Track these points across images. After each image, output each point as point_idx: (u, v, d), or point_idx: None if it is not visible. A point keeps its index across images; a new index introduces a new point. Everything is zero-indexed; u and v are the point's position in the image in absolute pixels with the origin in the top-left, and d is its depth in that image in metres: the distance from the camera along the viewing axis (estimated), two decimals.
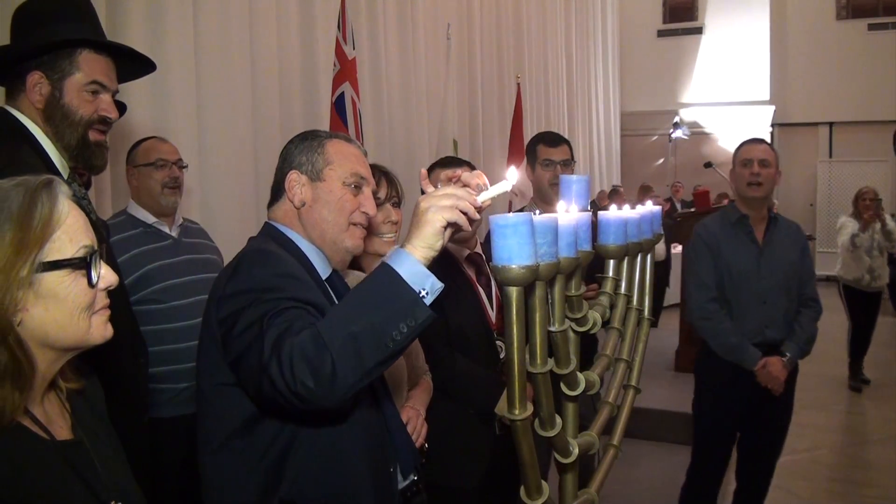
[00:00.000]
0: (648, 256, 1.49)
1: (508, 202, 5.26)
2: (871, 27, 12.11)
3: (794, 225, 2.89)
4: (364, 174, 1.45)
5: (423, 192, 1.17)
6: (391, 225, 1.88)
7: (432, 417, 1.80)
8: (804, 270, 2.81)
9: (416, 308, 1.07)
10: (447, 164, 2.20)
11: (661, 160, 13.19)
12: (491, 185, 1.15)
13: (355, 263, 1.77)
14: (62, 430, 0.98)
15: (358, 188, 1.43)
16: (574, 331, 1.27)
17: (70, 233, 0.92)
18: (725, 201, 6.58)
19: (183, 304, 2.22)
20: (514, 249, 0.93)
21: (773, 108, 12.40)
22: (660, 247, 7.04)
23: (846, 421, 5.17)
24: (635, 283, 1.47)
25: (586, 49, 10.39)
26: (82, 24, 1.60)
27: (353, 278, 1.63)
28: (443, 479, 1.92)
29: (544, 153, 2.73)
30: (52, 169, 1.52)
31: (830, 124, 12.53)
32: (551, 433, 1.11)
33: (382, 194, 1.87)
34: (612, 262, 1.40)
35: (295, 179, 1.41)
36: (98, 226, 1.32)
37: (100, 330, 0.96)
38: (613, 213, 1.35)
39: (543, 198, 2.72)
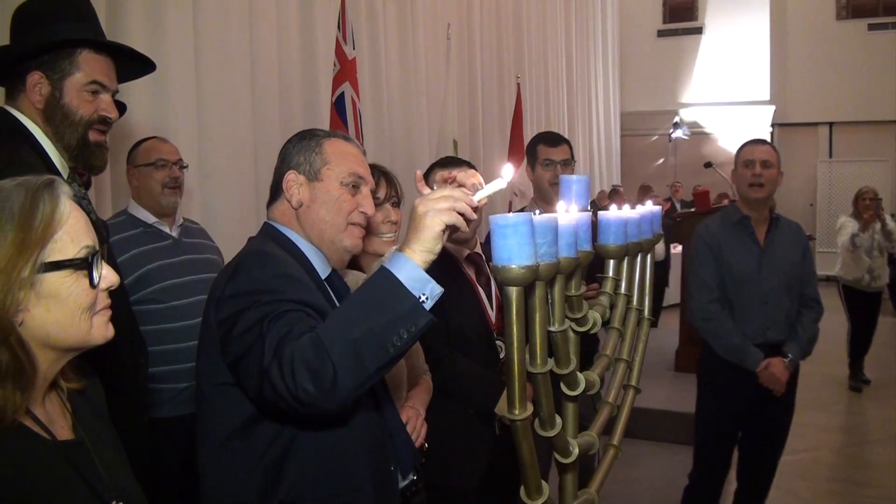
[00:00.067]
0: (648, 256, 1.49)
1: (509, 202, 5.26)
2: (871, 27, 12.11)
3: (795, 225, 2.89)
4: (362, 173, 1.44)
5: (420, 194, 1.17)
6: (391, 225, 1.89)
7: (432, 417, 1.80)
8: (805, 271, 2.81)
9: (416, 314, 1.08)
10: (447, 164, 2.20)
11: (661, 160, 13.19)
12: (486, 184, 1.15)
13: (355, 263, 1.77)
14: (63, 430, 0.98)
15: (356, 188, 1.42)
16: (574, 331, 1.27)
17: (72, 233, 0.92)
18: (725, 201, 6.58)
19: (183, 304, 2.22)
20: (514, 249, 0.93)
21: (773, 108, 12.40)
22: (659, 247, 7.03)
23: (846, 421, 5.17)
24: (635, 283, 1.47)
25: (586, 49, 10.38)
26: (82, 24, 1.60)
27: (353, 278, 1.63)
28: (443, 479, 1.92)
29: (544, 153, 2.73)
30: (52, 169, 1.52)
31: (830, 124, 12.54)
32: (551, 433, 1.11)
33: (382, 194, 1.87)
34: (612, 262, 1.40)
35: (292, 180, 1.41)
36: (98, 226, 1.32)
37: (101, 330, 0.97)
38: (613, 213, 1.35)
39: (544, 197, 2.72)
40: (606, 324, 1.41)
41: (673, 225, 6.37)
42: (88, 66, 1.57)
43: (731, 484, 2.95)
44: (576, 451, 1.21)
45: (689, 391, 2.94)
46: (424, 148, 4.94)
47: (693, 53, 13.04)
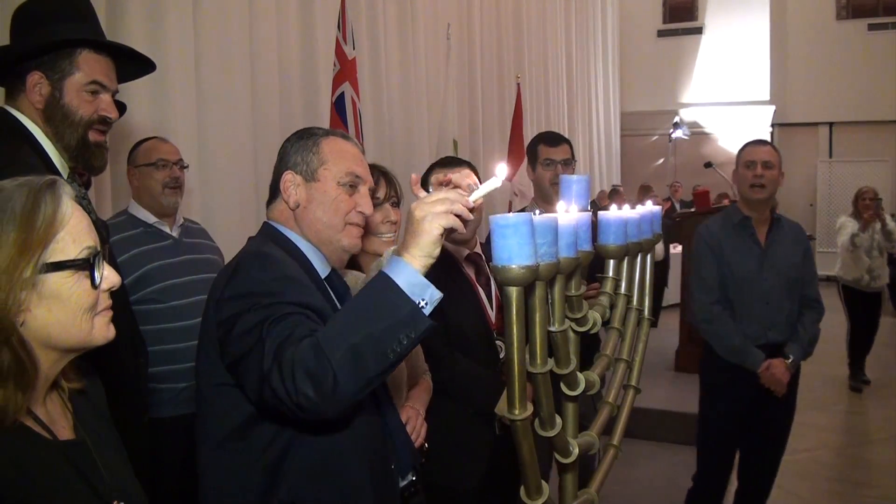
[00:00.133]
0: (648, 256, 1.50)
1: (509, 202, 5.27)
2: (871, 27, 12.11)
3: (796, 226, 2.89)
4: (360, 173, 1.43)
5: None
6: (390, 225, 1.88)
7: (432, 417, 1.80)
8: (806, 272, 2.80)
9: (415, 319, 1.08)
10: (447, 164, 2.20)
11: (661, 160, 13.19)
12: (482, 184, 1.16)
13: (354, 262, 1.77)
14: (64, 430, 0.98)
15: (353, 187, 1.42)
16: (574, 331, 1.28)
17: (73, 234, 0.92)
18: (726, 201, 6.58)
19: (183, 304, 2.22)
20: (514, 249, 0.93)
21: (773, 108, 12.40)
22: (659, 247, 7.03)
23: (847, 421, 5.17)
24: (635, 283, 1.47)
25: (586, 49, 10.38)
26: (82, 24, 1.60)
27: (352, 278, 1.64)
28: (442, 479, 1.92)
29: (545, 153, 2.73)
30: (52, 169, 1.52)
31: (830, 124, 12.53)
32: (551, 433, 1.11)
33: (381, 194, 1.87)
34: (612, 262, 1.40)
35: (290, 180, 1.41)
36: (98, 226, 1.32)
37: (102, 331, 0.97)
38: (613, 213, 1.35)
39: (545, 197, 2.72)
40: (606, 324, 1.41)
41: (673, 225, 6.37)
42: (88, 66, 1.57)
43: (732, 484, 2.95)
44: (576, 451, 1.21)
45: (689, 391, 2.95)
46: (424, 148, 4.94)
47: (693, 53, 13.04)
